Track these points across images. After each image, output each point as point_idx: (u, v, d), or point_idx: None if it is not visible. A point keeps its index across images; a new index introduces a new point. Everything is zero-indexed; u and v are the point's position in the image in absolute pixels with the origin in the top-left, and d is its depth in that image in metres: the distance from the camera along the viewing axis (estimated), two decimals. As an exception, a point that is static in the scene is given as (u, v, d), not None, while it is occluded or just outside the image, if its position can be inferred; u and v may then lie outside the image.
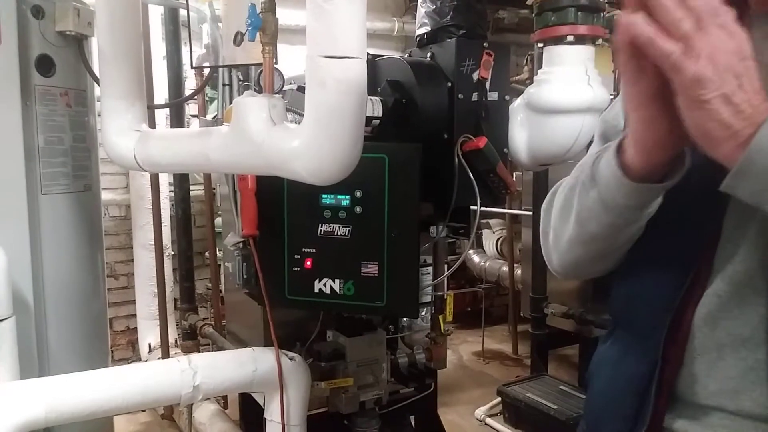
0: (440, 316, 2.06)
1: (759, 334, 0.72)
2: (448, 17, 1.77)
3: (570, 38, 1.73)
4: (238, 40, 1.29)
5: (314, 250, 1.65)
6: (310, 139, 1.11)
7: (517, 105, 1.84)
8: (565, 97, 1.75)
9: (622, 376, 0.86)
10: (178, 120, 2.87)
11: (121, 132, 1.50)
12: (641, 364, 0.83)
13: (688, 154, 0.73)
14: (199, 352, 2.78)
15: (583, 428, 0.96)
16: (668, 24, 0.62)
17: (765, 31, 0.77)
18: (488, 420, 3.27)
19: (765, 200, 0.62)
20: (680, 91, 0.63)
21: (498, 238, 4.71)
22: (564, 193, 0.88)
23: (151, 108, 2.21)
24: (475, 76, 1.71)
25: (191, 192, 3.02)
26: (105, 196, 2.74)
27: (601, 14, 1.75)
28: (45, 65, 1.68)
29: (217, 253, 3.14)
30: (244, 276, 1.82)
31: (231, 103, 1.86)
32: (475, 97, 1.72)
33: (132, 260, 3.51)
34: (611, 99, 1.64)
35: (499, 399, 3.25)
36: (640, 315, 0.85)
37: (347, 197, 1.61)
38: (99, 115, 1.60)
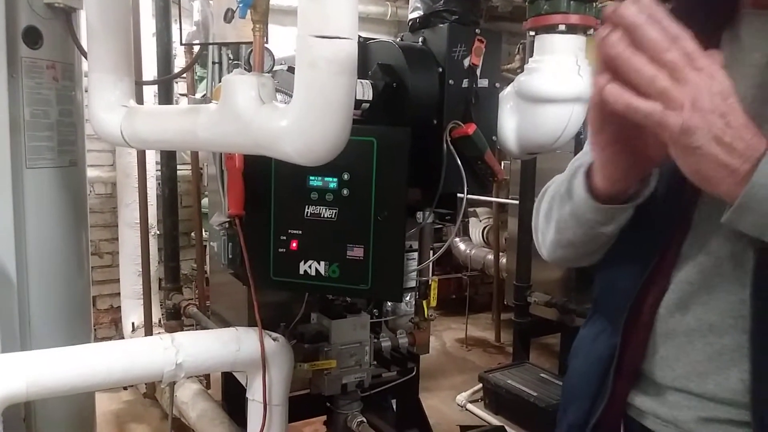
0: (424, 302, 2.07)
1: (726, 320, 0.75)
2: (441, 2, 1.77)
3: (562, 27, 1.73)
4: (228, 17, 1.28)
5: (300, 232, 1.65)
6: (299, 118, 1.11)
7: (507, 93, 1.85)
8: (555, 86, 1.75)
9: (591, 358, 0.91)
10: (166, 98, 2.84)
11: (109, 107, 1.48)
12: (607, 347, 0.87)
13: (654, 176, 0.78)
14: (183, 331, 2.78)
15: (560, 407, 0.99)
16: (643, 84, 0.62)
17: (755, 27, 0.78)
18: (469, 406, 3.31)
19: (766, 231, 0.64)
20: (670, 143, 0.63)
21: (484, 227, 4.74)
22: (548, 200, 0.93)
23: (139, 84, 2.19)
24: (466, 62, 1.71)
25: (178, 171, 3.00)
26: (91, 173, 2.71)
27: (593, 4, 1.75)
28: (32, 37, 1.66)
29: (203, 233, 3.13)
30: (230, 256, 1.82)
31: (220, 81, 1.85)
32: (465, 83, 1.72)
33: (117, 239, 3.49)
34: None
35: (481, 385, 3.29)
36: (610, 300, 0.90)
37: (335, 180, 1.61)
38: (86, 90, 1.58)
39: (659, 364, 0.82)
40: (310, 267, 1.66)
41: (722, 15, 0.80)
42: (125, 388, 3.24)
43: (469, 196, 1.73)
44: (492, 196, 4.04)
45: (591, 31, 1.76)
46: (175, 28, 2.72)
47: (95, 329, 3.61)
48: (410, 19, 1.88)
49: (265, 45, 1.33)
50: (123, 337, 3.44)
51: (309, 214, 1.64)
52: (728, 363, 0.75)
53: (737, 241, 0.73)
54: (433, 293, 2.08)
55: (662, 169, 0.79)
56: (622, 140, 0.71)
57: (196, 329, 2.71)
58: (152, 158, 3.28)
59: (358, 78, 1.40)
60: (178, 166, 3.01)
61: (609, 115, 0.67)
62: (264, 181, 1.65)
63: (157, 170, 3.28)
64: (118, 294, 3.51)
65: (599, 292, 0.95)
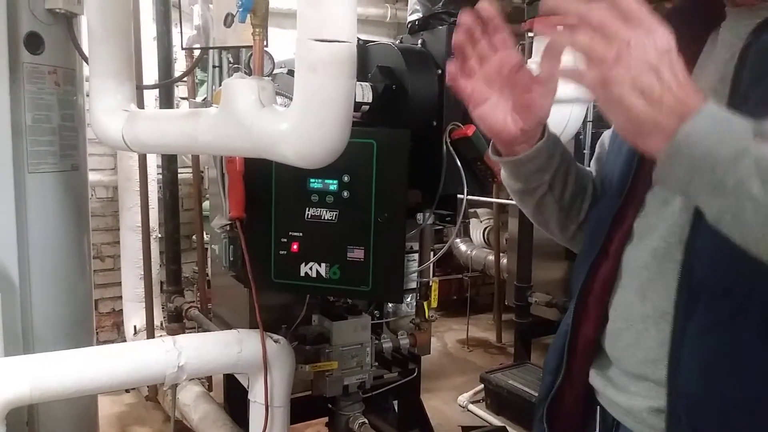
0: (425, 303, 2.07)
1: (672, 307, 0.77)
2: (440, 4, 1.78)
3: (560, 28, 1.74)
4: (228, 21, 1.29)
5: (301, 234, 1.66)
6: (299, 122, 1.12)
7: (506, 94, 1.85)
8: (554, 87, 1.76)
9: (557, 336, 0.96)
10: (167, 101, 2.85)
11: (110, 111, 1.49)
12: (566, 324, 0.93)
13: (545, 143, 0.89)
14: (185, 334, 2.78)
15: None
16: (586, 55, 0.64)
17: (730, 25, 0.81)
18: (471, 406, 3.31)
19: (692, 190, 0.63)
20: (599, 100, 0.65)
21: (485, 228, 4.74)
22: None
23: (140, 88, 2.19)
24: (465, 64, 1.72)
25: (179, 175, 3.01)
26: (92, 177, 2.72)
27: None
28: (34, 42, 1.67)
29: (204, 236, 3.14)
30: (231, 259, 1.83)
31: (221, 85, 1.86)
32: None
33: (119, 242, 3.49)
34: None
35: (482, 386, 3.29)
36: (573, 285, 0.95)
37: (335, 182, 1.62)
38: (87, 95, 1.59)
39: (623, 351, 0.84)
40: (311, 269, 1.66)
41: (712, 17, 0.83)
42: (127, 391, 3.25)
43: (470, 197, 1.73)
44: (492, 197, 4.04)
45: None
46: (175, 31, 2.74)
47: (97, 332, 3.61)
48: (409, 21, 1.89)
49: (265, 48, 1.34)
50: (125, 340, 3.44)
51: (309, 216, 1.65)
52: (670, 349, 0.77)
53: (685, 225, 0.75)
54: (434, 294, 2.08)
55: (617, 148, 0.88)
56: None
57: (198, 332, 2.71)
58: (153, 162, 3.29)
59: (358, 80, 1.41)
60: (179, 170, 3.02)
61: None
62: (265, 183, 1.65)
63: (158, 174, 3.29)
64: (120, 297, 3.52)
65: (571, 277, 1.01)
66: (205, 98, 2.22)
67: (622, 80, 0.61)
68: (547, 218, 1.00)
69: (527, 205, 1.00)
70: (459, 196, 1.76)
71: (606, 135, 1.03)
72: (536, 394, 1.01)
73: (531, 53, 1.85)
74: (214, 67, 1.95)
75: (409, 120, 1.69)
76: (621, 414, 0.85)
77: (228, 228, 1.78)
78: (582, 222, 1.00)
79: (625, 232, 0.84)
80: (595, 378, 0.90)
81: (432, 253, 2.03)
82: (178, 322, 2.97)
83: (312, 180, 1.63)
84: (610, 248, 0.86)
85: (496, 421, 3.12)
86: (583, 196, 0.99)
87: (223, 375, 2.41)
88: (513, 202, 3.91)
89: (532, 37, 1.83)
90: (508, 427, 2.91)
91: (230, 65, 1.92)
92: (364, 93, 1.72)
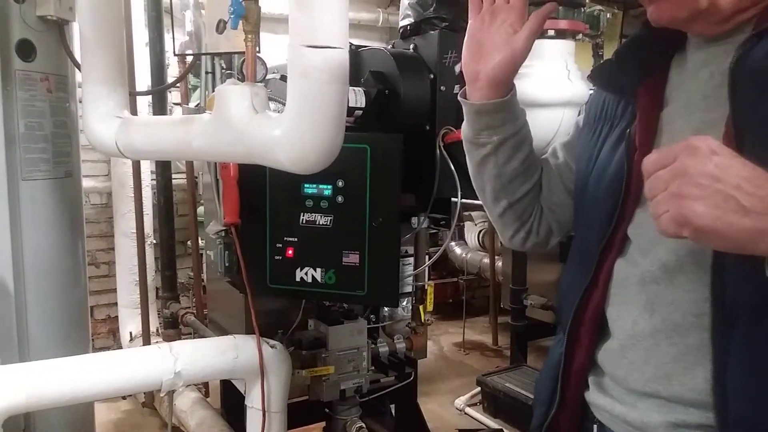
0: (420, 306, 2.08)
1: (688, 319, 0.76)
2: (432, 9, 1.78)
3: (551, 32, 1.75)
4: (220, 27, 1.29)
5: (296, 239, 1.66)
6: (292, 128, 1.12)
7: (498, 97, 1.86)
8: (545, 91, 1.77)
9: (548, 365, 0.96)
10: (160, 107, 2.85)
11: (103, 118, 1.49)
12: (557, 354, 0.93)
13: (507, 100, 0.96)
14: (181, 340, 2.78)
15: None
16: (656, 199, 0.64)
17: (700, 48, 0.84)
18: (468, 409, 3.31)
19: None
20: (691, 237, 0.63)
21: (480, 231, 4.75)
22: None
23: (133, 95, 2.19)
24: (458, 68, 1.72)
25: (173, 180, 3.00)
26: (86, 183, 2.71)
27: (582, 10, 1.77)
28: (25, 50, 1.67)
29: (200, 242, 3.13)
30: (226, 264, 1.83)
31: (214, 91, 1.86)
32: (457, 89, 1.73)
33: (113, 248, 3.48)
34: (590, 93, 1.67)
35: (479, 389, 3.29)
36: (562, 309, 0.95)
37: (329, 187, 1.62)
38: (80, 101, 1.58)
39: (629, 369, 0.83)
40: (306, 274, 1.67)
41: (674, 42, 0.87)
42: (124, 398, 3.23)
43: (464, 201, 1.74)
44: (487, 200, 4.04)
45: (580, 36, 1.78)
46: (167, 37, 2.74)
47: (93, 339, 3.60)
48: (401, 26, 1.90)
49: (258, 54, 1.34)
50: (121, 347, 3.44)
51: (304, 222, 1.65)
52: (693, 363, 0.76)
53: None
54: (430, 298, 2.09)
55: (601, 169, 0.89)
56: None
57: (194, 338, 2.71)
58: (147, 167, 3.28)
59: (351, 85, 1.42)
60: (174, 175, 3.01)
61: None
62: (259, 189, 1.66)
63: (152, 179, 3.29)
64: (116, 304, 3.51)
65: (557, 301, 1.01)
66: (198, 104, 2.22)
67: (703, 211, 0.60)
68: (484, 182, 1.04)
69: (471, 160, 1.04)
70: (453, 199, 1.77)
71: (580, 119, 1.05)
72: (532, 397, 1.02)
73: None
74: (207, 73, 1.96)
75: (402, 124, 1.70)
76: (630, 430, 0.84)
77: (223, 234, 1.78)
78: (514, 203, 1.03)
79: (618, 250, 0.85)
80: (596, 396, 0.89)
81: (427, 256, 2.04)
82: (174, 328, 2.96)
83: (306, 185, 1.64)
84: (599, 277, 0.86)
85: (493, 423, 3.12)
86: (525, 178, 1.02)
87: (220, 381, 2.40)
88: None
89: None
90: (505, 430, 2.91)
91: (223, 71, 1.92)
92: (357, 98, 1.73)
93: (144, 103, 3.15)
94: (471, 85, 0.97)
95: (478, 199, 1.11)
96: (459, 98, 1.00)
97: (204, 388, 2.93)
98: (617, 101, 0.92)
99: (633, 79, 0.88)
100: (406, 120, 1.71)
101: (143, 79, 2.86)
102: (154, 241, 3.35)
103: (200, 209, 3.08)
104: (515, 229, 1.07)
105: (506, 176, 1.01)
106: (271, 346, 1.73)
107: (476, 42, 0.95)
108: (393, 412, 2.33)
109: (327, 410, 2.10)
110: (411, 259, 2.00)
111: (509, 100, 0.97)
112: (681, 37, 0.86)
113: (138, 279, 3.06)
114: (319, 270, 1.66)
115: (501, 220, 1.07)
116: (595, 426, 0.90)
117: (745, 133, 0.70)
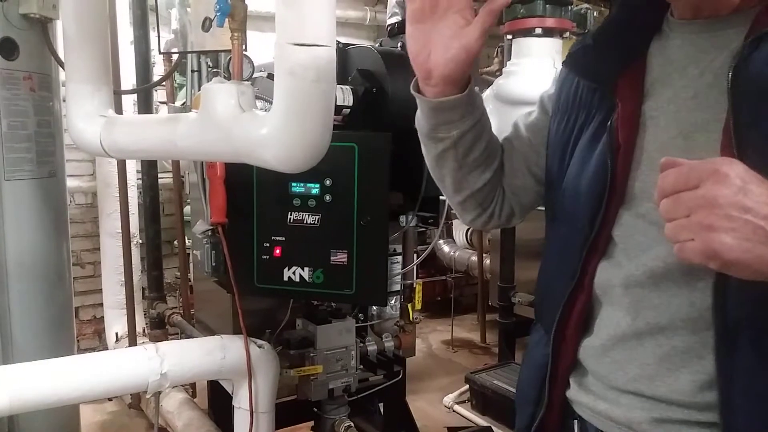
0: (409, 305, 2.08)
1: (675, 323, 0.76)
2: (419, 7, 1.78)
3: (538, 31, 1.76)
4: (206, 25, 1.28)
5: (284, 238, 1.65)
6: (279, 126, 1.11)
7: (486, 96, 1.86)
8: (533, 89, 1.76)
9: (531, 365, 0.95)
10: (145, 106, 2.82)
11: (87, 117, 1.47)
12: (542, 356, 0.91)
13: (465, 97, 0.88)
14: (168, 341, 2.76)
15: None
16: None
17: (684, 38, 0.82)
18: (456, 407, 3.31)
19: None
20: (719, 268, 0.62)
21: (468, 229, 4.75)
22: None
23: (117, 93, 2.17)
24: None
25: (159, 180, 2.98)
26: (71, 183, 2.68)
27: (569, 8, 1.78)
28: (8, 48, 1.65)
29: (186, 241, 3.12)
30: (213, 264, 1.82)
31: (200, 89, 1.85)
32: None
33: (99, 249, 3.45)
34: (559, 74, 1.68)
35: (467, 386, 3.30)
36: (544, 309, 0.94)
37: (317, 185, 1.62)
38: (64, 100, 1.57)
39: (611, 368, 0.83)
40: (294, 273, 1.66)
41: (651, 25, 0.85)
42: (110, 399, 3.20)
43: (451, 199, 1.74)
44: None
45: (567, 34, 1.79)
46: (153, 35, 2.71)
47: (78, 340, 3.57)
48: (389, 25, 1.90)
49: (244, 52, 1.34)
50: (107, 348, 3.40)
51: (292, 221, 1.64)
52: (677, 365, 0.76)
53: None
54: (418, 296, 2.09)
55: (580, 163, 0.86)
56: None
57: (181, 338, 2.69)
58: (133, 167, 3.25)
59: (338, 84, 1.41)
60: (160, 175, 2.99)
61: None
62: (246, 188, 1.65)
63: (138, 179, 3.26)
64: (101, 304, 3.47)
65: (537, 299, 0.99)
66: (184, 103, 2.21)
67: (734, 244, 0.58)
68: (444, 174, 0.99)
69: (429, 154, 0.98)
70: (441, 197, 1.77)
71: (545, 96, 1.01)
72: (516, 396, 1.01)
73: (510, 56, 1.85)
74: (192, 71, 1.94)
75: (390, 123, 1.69)
76: (613, 427, 0.83)
77: (210, 233, 1.77)
78: (475, 192, 0.98)
79: (602, 252, 0.83)
80: (577, 393, 0.88)
81: (415, 255, 2.04)
82: (160, 329, 2.95)
83: (294, 184, 1.63)
84: (585, 280, 0.84)
85: (481, 421, 3.12)
86: (486, 167, 0.97)
87: (207, 381, 2.39)
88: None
89: (510, 40, 1.84)
90: (493, 427, 2.92)
91: (209, 69, 1.91)
92: (345, 96, 1.72)
93: (129, 101, 3.12)
94: (424, 83, 0.88)
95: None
96: (412, 91, 0.92)
97: (191, 388, 2.91)
98: (593, 89, 0.87)
99: (612, 66, 0.84)
100: (394, 118, 1.71)
101: (128, 78, 2.83)
102: (140, 241, 3.32)
103: (187, 209, 3.06)
104: (476, 214, 1.03)
105: (467, 167, 0.96)
106: (259, 346, 1.73)
107: (421, 33, 0.84)
108: (382, 410, 2.33)
109: (315, 410, 2.10)
110: (399, 258, 2.00)
111: (468, 93, 0.89)
112: (659, 18, 0.84)
113: (124, 279, 3.03)
114: (307, 269, 1.65)
115: (462, 206, 1.03)
116: (575, 422, 0.89)
117: (748, 144, 0.68)
